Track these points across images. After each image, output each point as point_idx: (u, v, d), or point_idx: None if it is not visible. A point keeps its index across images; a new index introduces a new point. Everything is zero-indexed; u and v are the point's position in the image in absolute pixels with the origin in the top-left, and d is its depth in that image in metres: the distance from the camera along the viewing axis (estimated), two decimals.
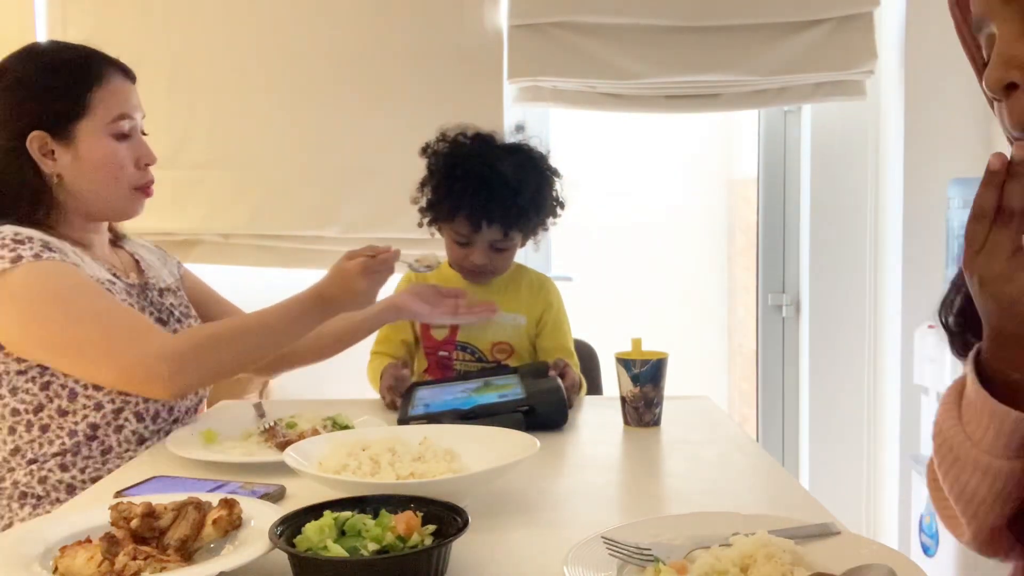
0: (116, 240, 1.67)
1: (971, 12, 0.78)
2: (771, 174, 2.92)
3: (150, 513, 0.89)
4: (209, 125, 2.68)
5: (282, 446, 1.24)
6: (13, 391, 1.41)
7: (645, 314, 3.62)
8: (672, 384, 1.52)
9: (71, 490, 1.44)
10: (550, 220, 1.80)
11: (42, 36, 2.71)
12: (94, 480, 1.43)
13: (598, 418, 1.59)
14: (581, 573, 0.80)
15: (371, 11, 2.68)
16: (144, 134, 1.57)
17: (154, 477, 1.21)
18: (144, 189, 1.55)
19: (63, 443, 1.42)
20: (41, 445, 1.42)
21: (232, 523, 0.92)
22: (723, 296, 3.82)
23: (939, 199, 2.47)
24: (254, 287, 2.29)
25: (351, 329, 1.73)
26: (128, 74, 1.54)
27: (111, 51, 1.56)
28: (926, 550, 2.34)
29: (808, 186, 2.83)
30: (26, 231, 1.42)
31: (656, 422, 1.50)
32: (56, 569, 0.83)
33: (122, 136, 1.50)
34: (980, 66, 0.80)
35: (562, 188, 1.80)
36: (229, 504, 0.93)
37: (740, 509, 0.99)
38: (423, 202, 1.77)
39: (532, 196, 1.72)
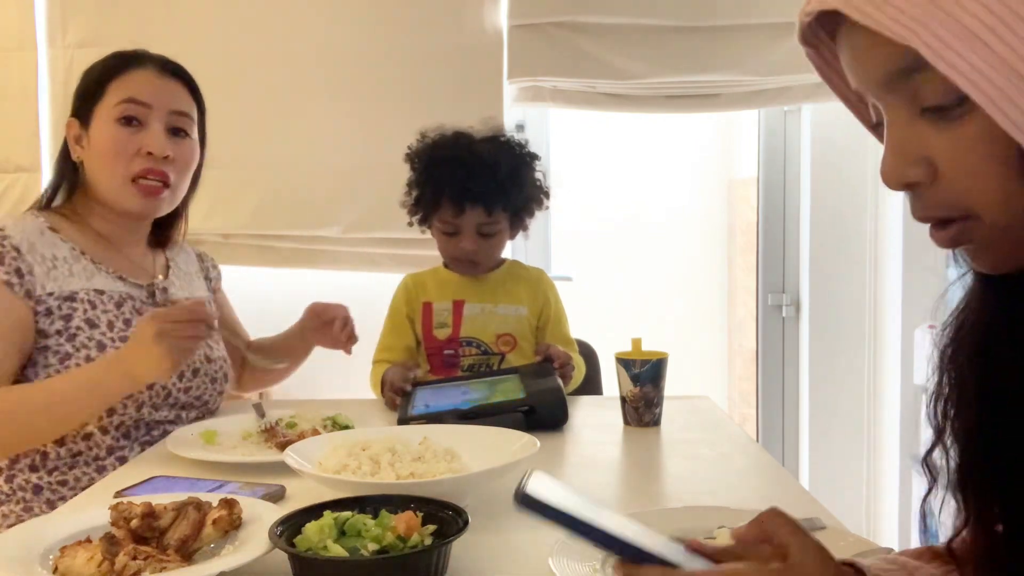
0: (160, 243, 1.67)
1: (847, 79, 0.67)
2: (771, 174, 2.91)
3: (150, 513, 0.89)
4: (209, 125, 2.67)
5: (282, 446, 1.24)
6: None
7: (645, 314, 3.62)
8: (672, 384, 1.53)
9: (38, 491, 1.44)
10: (535, 206, 1.82)
11: (42, 36, 2.71)
12: (61, 483, 1.44)
13: (598, 418, 1.59)
14: (566, 564, 0.81)
15: (371, 11, 2.68)
16: (183, 131, 1.54)
17: (154, 477, 1.21)
18: (137, 182, 1.48)
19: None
20: None
21: (232, 523, 0.92)
22: (723, 296, 3.82)
23: None
24: (254, 287, 2.28)
25: (286, 345, 1.78)
26: (167, 67, 1.53)
27: (110, 51, 1.55)
28: None
29: (808, 186, 2.83)
30: (13, 228, 1.42)
31: (656, 422, 1.51)
32: (56, 569, 0.83)
33: (127, 120, 1.48)
34: (864, 118, 0.71)
35: (545, 176, 1.83)
36: (229, 504, 0.93)
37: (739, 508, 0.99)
38: (411, 201, 1.82)
39: (510, 174, 1.75)
